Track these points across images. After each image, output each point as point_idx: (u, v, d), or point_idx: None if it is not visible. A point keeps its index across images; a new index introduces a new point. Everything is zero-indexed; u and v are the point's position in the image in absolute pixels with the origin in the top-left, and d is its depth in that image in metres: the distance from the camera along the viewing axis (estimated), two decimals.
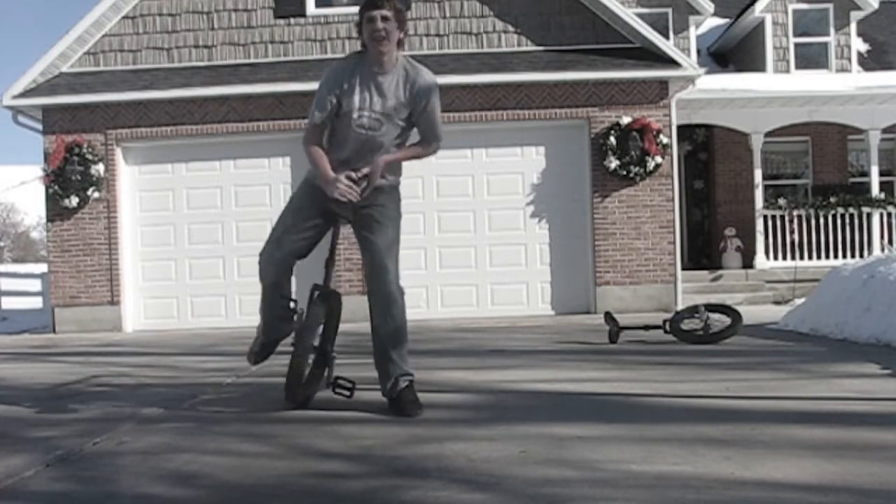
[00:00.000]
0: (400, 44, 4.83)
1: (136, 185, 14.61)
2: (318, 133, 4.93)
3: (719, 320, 8.67)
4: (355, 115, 4.81)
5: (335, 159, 4.88)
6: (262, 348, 5.20)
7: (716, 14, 20.22)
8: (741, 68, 19.57)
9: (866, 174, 17.82)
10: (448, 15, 14.57)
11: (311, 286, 5.04)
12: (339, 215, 4.97)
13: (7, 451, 4.13)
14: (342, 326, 5.12)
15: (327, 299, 5.02)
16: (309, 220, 4.96)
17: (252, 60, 14.69)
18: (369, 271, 4.90)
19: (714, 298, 14.40)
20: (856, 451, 3.63)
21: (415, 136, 5.05)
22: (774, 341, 8.56)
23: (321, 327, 5.00)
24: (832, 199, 16.98)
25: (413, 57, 5.05)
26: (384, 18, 4.68)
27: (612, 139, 13.87)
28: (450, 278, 14.29)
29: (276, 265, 4.96)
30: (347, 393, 4.93)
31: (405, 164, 5.08)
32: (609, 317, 9.02)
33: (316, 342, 4.97)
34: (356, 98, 4.80)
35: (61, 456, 3.97)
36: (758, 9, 18.97)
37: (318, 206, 4.91)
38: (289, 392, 4.97)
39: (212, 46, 14.75)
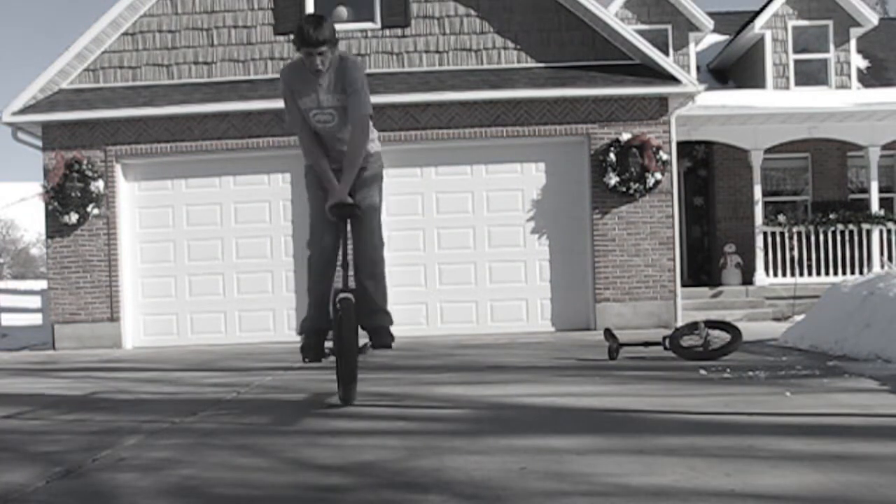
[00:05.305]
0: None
1: (136, 201, 14.63)
2: (306, 135, 5.74)
3: (719, 337, 8.67)
4: (312, 115, 5.65)
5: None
6: None
7: (715, 31, 20.31)
8: (741, 85, 19.65)
9: (866, 191, 17.86)
10: (448, 31, 14.59)
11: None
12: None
13: (7, 467, 4.13)
14: None
15: None
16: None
17: (252, 77, 14.73)
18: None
19: (714, 315, 14.34)
20: (855, 466, 3.63)
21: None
22: (774, 357, 8.55)
23: None
24: (832, 216, 17.01)
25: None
26: (320, 54, 5.40)
27: (612, 156, 13.90)
28: (449, 295, 14.29)
29: None
30: None
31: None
32: (609, 333, 9.02)
33: None
34: (306, 100, 5.62)
35: (62, 472, 3.97)
36: (757, 25, 19.05)
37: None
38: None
39: (211, 63, 14.79)
